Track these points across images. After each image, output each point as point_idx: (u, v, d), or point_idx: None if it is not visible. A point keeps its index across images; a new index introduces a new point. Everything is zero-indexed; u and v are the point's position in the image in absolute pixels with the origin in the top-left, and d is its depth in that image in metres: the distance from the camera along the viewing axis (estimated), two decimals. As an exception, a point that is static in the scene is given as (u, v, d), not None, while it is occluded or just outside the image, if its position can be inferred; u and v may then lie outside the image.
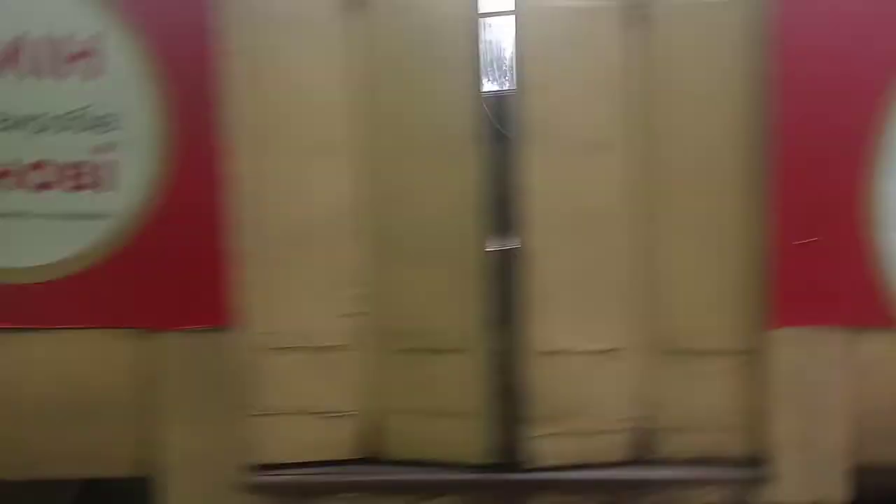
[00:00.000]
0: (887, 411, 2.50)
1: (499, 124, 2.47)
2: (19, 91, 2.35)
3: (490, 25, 2.84)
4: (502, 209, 2.50)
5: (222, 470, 2.45)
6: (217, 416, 2.45)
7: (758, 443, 2.54)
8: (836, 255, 2.45)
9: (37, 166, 2.37)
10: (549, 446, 2.54)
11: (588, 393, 2.56)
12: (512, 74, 2.45)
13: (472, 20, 2.47)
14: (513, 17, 2.47)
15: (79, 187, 2.38)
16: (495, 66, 3.03)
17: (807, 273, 2.45)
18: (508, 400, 2.54)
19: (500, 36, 2.96)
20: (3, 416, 2.41)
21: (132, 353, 2.43)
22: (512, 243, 2.51)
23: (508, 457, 2.54)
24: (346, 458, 2.58)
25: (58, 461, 2.46)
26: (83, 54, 2.35)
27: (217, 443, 2.44)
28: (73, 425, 2.43)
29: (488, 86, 2.51)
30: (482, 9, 2.48)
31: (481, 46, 2.48)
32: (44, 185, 2.37)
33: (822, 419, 2.49)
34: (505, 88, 2.49)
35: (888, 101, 2.40)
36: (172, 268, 2.41)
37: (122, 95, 2.36)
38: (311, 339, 2.53)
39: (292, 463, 2.53)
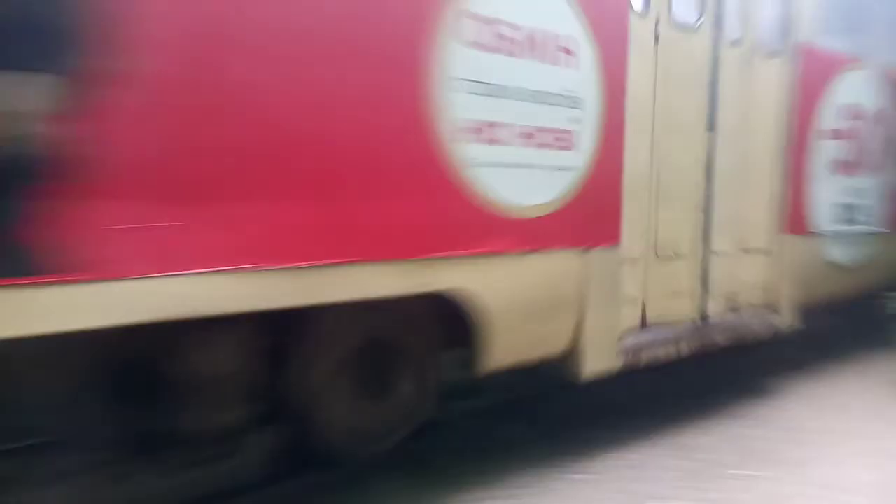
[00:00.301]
0: (807, 276, 5.09)
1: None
2: (527, 70, 3.15)
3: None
4: (708, 170, 4.26)
5: (612, 339, 3.68)
6: (609, 304, 3.66)
7: (774, 299, 4.87)
8: (800, 196, 4.91)
9: (538, 130, 3.20)
10: (715, 307, 4.42)
11: (720, 276, 4.52)
12: (714, 91, 4.21)
13: (708, 55, 4.15)
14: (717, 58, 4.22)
15: (561, 147, 3.29)
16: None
17: (796, 205, 4.85)
18: (705, 282, 4.32)
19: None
20: (506, 317, 3.18)
21: (578, 266, 3.45)
22: (709, 191, 4.28)
23: (706, 314, 4.34)
24: (636, 326, 4.01)
25: (534, 348, 3.34)
26: (566, 50, 3.26)
27: (609, 322, 3.66)
28: (547, 319, 3.35)
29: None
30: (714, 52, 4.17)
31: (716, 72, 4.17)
32: (543, 144, 3.22)
33: (796, 283, 4.95)
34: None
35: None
36: (597, 208, 3.52)
37: (585, 84, 3.36)
38: (633, 251, 3.88)
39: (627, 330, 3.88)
